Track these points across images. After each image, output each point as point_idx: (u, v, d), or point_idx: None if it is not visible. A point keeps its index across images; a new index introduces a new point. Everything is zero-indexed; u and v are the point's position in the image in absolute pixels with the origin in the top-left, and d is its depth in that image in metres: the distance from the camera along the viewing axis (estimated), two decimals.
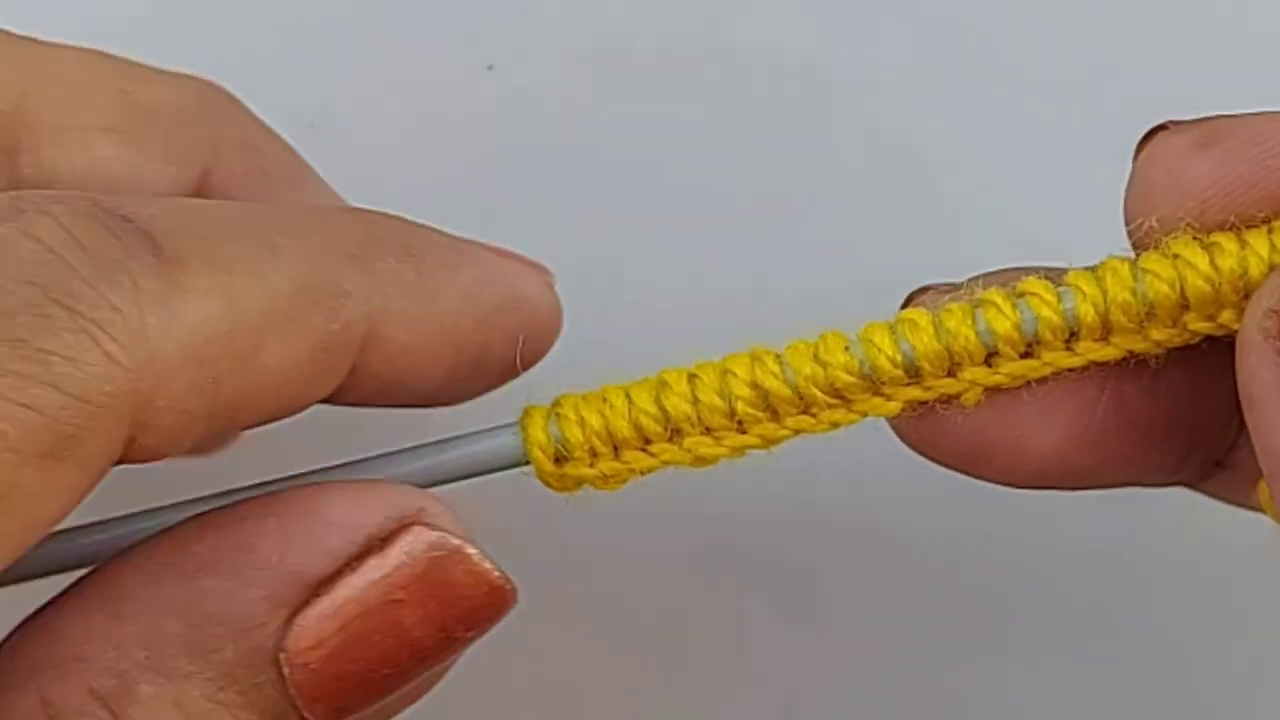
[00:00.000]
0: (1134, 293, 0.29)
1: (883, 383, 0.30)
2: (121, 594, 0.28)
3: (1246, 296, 0.29)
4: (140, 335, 0.26)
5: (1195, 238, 0.29)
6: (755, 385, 0.30)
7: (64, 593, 0.28)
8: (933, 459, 0.32)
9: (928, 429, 0.31)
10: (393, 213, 0.32)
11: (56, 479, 0.26)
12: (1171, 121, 0.31)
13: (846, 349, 0.30)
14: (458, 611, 0.28)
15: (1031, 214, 0.45)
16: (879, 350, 0.30)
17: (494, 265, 0.32)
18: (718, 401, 0.30)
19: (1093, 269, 0.30)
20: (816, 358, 0.30)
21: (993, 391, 0.30)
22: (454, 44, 0.47)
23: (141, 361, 0.26)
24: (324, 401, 0.30)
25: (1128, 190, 0.31)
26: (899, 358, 0.30)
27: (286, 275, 0.28)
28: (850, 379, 0.30)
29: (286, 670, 0.27)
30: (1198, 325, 0.30)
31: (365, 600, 0.28)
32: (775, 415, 0.31)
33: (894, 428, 0.32)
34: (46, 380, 0.25)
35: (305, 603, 0.27)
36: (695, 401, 0.30)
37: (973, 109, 0.46)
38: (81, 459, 0.26)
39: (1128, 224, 0.31)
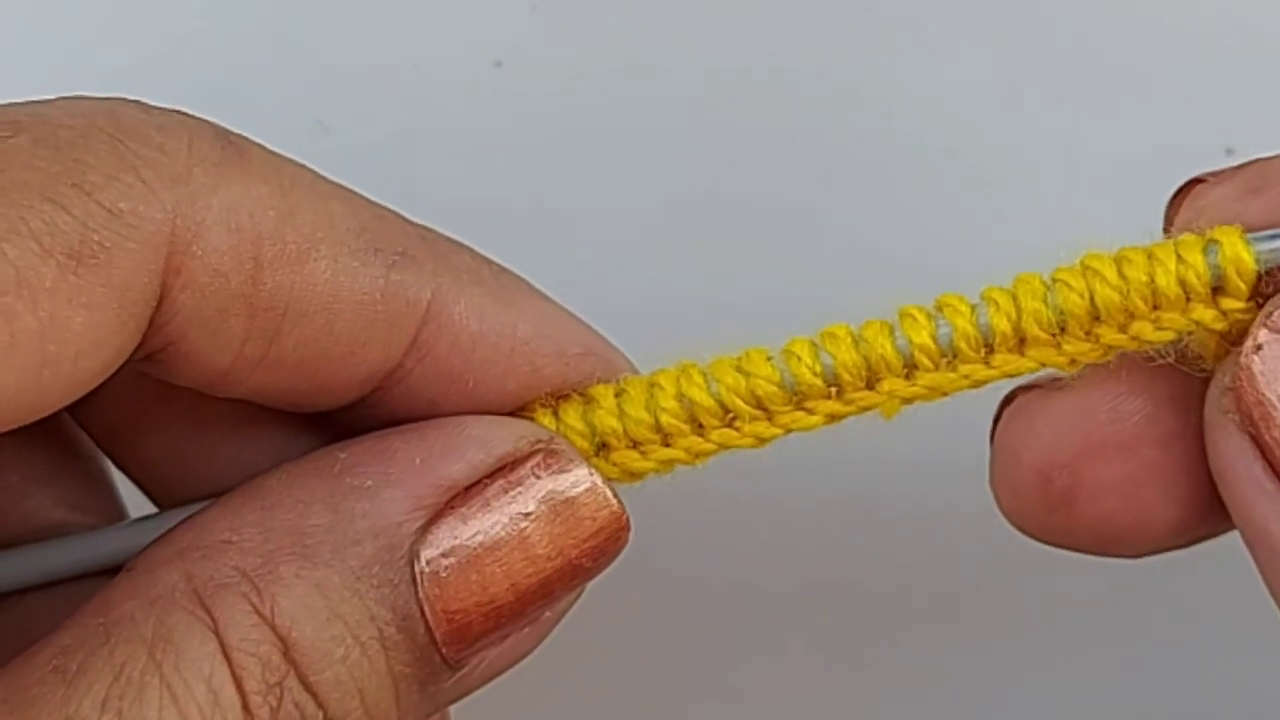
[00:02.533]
0: (1046, 302, 0.30)
1: (804, 394, 0.30)
2: (269, 493, 0.29)
3: (1156, 308, 0.29)
4: (183, 180, 0.27)
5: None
6: (681, 398, 0.31)
7: (210, 502, 0.30)
8: (1064, 547, 0.32)
9: (1059, 522, 0.32)
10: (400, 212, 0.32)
11: (81, 287, 0.26)
12: (1205, 174, 0.31)
13: (769, 360, 0.30)
14: (581, 535, 0.29)
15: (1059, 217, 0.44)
16: (799, 360, 0.30)
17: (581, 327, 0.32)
18: (644, 415, 0.31)
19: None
20: (740, 369, 0.30)
21: (1118, 481, 0.31)
22: (462, 40, 0.47)
23: (180, 200, 0.27)
24: (393, 402, 0.30)
25: None
26: (818, 367, 0.30)
27: (347, 211, 0.29)
28: (773, 389, 0.30)
29: (419, 576, 0.28)
30: (1111, 337, 0.30)
31: (498, 515, 0.29)
32: (700, 428, 0.31)
33: (1020, 525, 0.32)
34: (75, 182, 0.26)
35: (441, 511, 0.29)
36: (623, 415, 0.31)
37: (1000, 111, 0.46)
38: (112, 277, 0.26)
39: None
